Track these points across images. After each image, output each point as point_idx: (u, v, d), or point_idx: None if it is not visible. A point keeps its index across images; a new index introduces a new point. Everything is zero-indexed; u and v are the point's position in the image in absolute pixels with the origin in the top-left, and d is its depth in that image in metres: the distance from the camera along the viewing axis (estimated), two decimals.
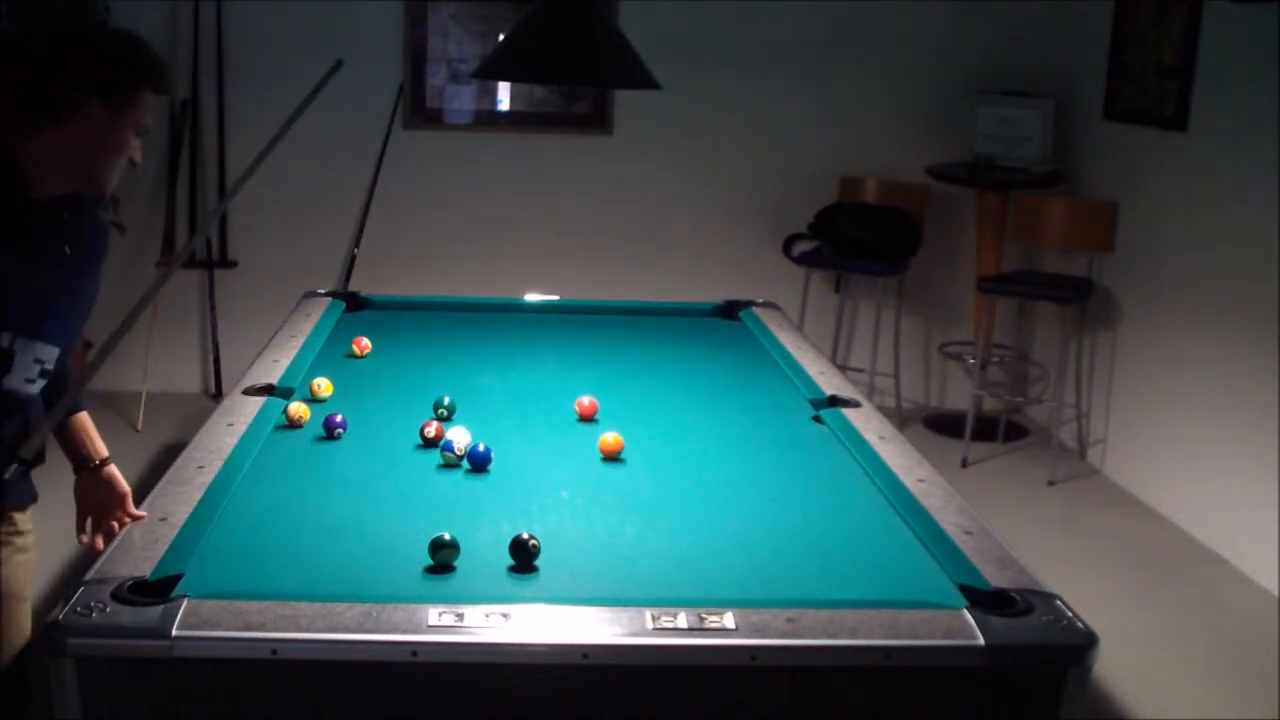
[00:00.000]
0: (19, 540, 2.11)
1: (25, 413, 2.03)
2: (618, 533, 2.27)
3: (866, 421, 2.89)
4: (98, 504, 2.22)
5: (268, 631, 1.76)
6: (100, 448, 2.24)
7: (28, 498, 2.12)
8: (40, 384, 2.02)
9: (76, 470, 2.24)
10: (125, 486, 2.23)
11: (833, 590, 2.03)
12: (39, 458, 2.06)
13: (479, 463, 2.53)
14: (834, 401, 3.05)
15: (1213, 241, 4.54)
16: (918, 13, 5.57)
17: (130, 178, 2.12)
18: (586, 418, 2.92)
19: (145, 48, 1.99)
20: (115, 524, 2.19)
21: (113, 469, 2.24)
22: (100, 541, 2.18)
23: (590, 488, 2.48)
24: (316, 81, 2.45)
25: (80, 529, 2.24)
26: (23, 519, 2.13)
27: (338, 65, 2.52)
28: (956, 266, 5.72)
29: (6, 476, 2.00)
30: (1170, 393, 4.78)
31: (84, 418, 2.22)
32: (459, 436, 2.58)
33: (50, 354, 2.01)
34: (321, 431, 2.70)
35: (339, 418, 2.72)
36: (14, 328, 1.94)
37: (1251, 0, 4.26)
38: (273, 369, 3.11)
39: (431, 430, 2.67)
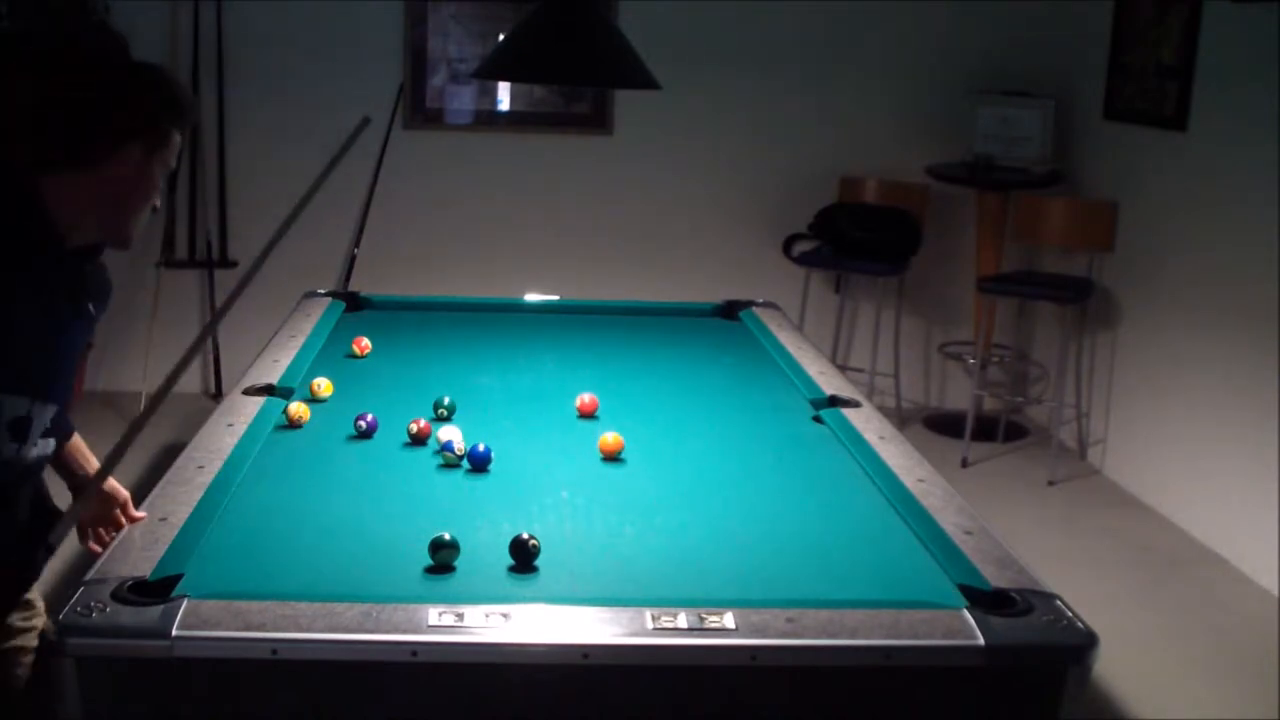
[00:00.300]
0: (38, 622, 2.05)
1: (36, 478, 1.98)
2: (618, 533, 2.27)
3: (866, 421, 2.89)
4: (99, 516, 2.19)
5: (268, 631, 1.76)
6: (96, 465, 2.18)
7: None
8: (45, 444, 1.94)
9: (75, 491, 2.17)
10: (124, 493, 2.20)
11: (833, 590, 2.03)
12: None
13: (479, 463, 2.53)
14: (834, 401, 3.05)
15: (1213, 241, 4.54)
16: (918, 13, 5.57)
17: None
18: (587, 414, 2.93)
19: (176, 84, 1.92)
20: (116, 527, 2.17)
21: (111, 481, 2.19)
22: (106, 537, 2.16)
23: (590, 488, 2.48)
24: (341, 137, 2.36)
25: (84, 538, 2.21)
26: (33, 595, 2.07)
27: (365, 122, 2.46)
28: (956, 266, 5.72)
29: (42, 565, 1.94)
30: (1170, 393, 4.78)
31: (77, 440, 2.16)
32: (446, 435, 2.58)
33: (51, 412, 1.93)
34: (351, 431, 2.70)
35: (370, 416, 2.72)
36: (31, 393, 1.86)
37: (1251, 0, 4.26)
38: (273, 369, 3.11)
39: (414, 427, 2.67)
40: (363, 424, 2.70)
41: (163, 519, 2.14)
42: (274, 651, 1.75)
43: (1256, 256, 4.23)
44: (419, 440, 2.65)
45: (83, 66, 1.81)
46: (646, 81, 3.10)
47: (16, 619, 2.01)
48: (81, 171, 1.81)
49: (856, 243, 5.34)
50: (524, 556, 2.06)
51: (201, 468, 2.39)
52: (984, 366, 5.54)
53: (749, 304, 4.08)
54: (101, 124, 1.80)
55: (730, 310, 4.07)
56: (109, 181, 1.83)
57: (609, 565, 2.12)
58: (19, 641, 2.02)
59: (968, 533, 2.24)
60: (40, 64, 1.79)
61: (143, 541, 2.05)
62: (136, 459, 4.62)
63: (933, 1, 5.56)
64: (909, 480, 2.52)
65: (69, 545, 2.26)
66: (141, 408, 5.12)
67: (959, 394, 5.82)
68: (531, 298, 4.14)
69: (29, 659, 2.01)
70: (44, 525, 1.97)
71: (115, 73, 1.84)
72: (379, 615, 1.80)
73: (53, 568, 2.15)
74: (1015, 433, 5.61)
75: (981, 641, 1.83)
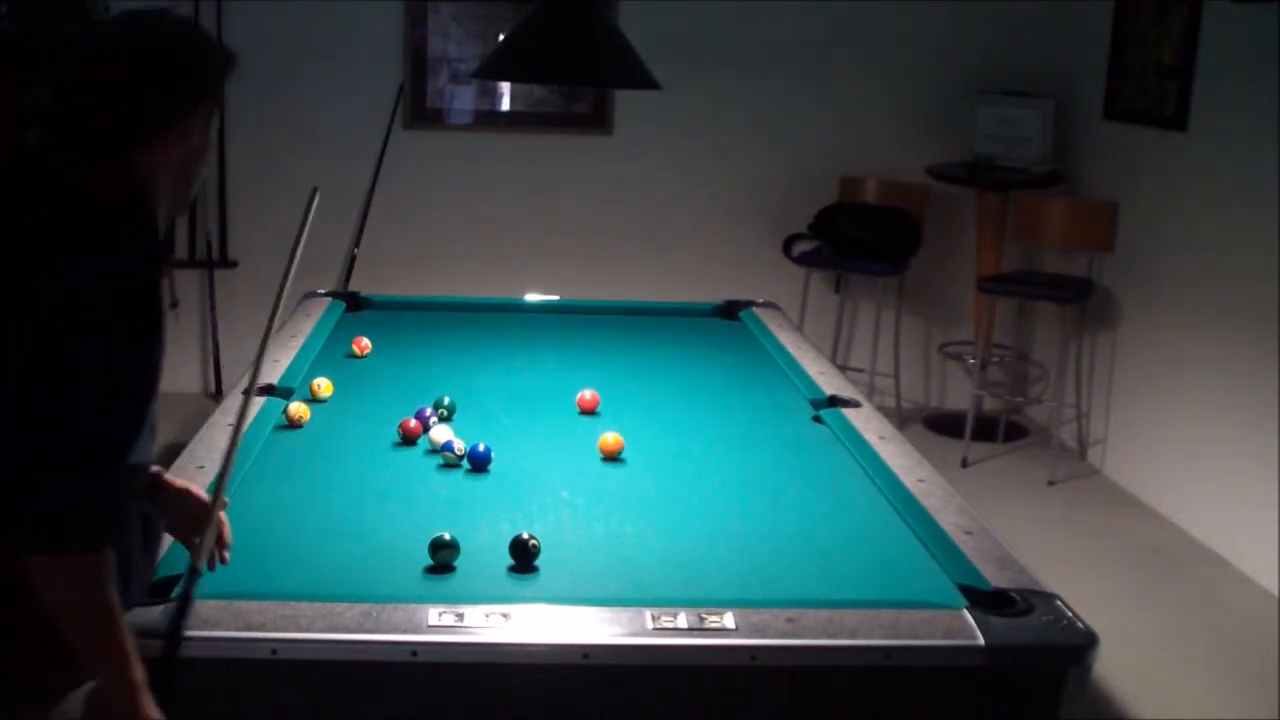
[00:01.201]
0: None
1: None
2: (618, 533, 2.27)
3: (866, 421, 2.90)
4: (187, 519, 1.93)
5: (268, 631, 1.76)
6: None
7: None
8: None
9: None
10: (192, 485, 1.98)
11: (833, 590, 2.03)
12: None
13: (479, 463, 2.53)
14: (834, 401, 3.06)
15: (1213, 241, 4.54)
16: (918, 13, 5.56)
17: None
18: (587, 410, 2.93)
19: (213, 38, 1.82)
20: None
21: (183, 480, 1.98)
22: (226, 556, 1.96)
23: (590, 488, 2.48)
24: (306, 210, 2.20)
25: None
26: None
27: (314, 192, 2.35)
28: (956, 266, 5.72)
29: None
30: (1170, 393, 4.78)
31: None
32: (440, 435, 2.59)
33: None
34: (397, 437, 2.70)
35: (428, 411, 2.73)
36: None
37: (1251, 0, 4.26)
38: (273, 369, 3.11)
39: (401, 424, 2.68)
40: (432, 420, 2.71)
41: None
42: (274, 651, 1.75)
43: (1256, 256, 4.22)
44: (409, 440, 2.66)
45: (151, 32, 1.73)
46: (646, 81, 3.10)
47: None
48: (166, 142, 1.71)
49: (856, 243, 5.34)
50: (524, 556, 2.07)
51: (201, 467, 2.39)
52: (984, 366, 5.54)
53: (749, 304, 4.08)
54: (179, 89, 1.72)
55: (730, 310, 4.07)
56: (183, 149, 1.74)
57: (609, 565, 2.13)
58: None
59: (968, 533, 2.24)
60: (109, 37, 1.71)
61: None
62: None
63: (933, 1, 5.55)
64: (909, 480, 2.52)
65: None
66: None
67: (959, 394, 5.82)
68: (531, 298, 4.14)
69: None
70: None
71: (175, 34, 1.76)
72: (379, 615, 1.81)
73: None
74: (1015, 433, 5.61)
75: (981, 641, 1.83)
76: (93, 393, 1.56)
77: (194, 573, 1.80)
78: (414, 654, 1.77)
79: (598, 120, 5.63)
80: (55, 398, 1.54)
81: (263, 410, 2.77)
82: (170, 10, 1.78)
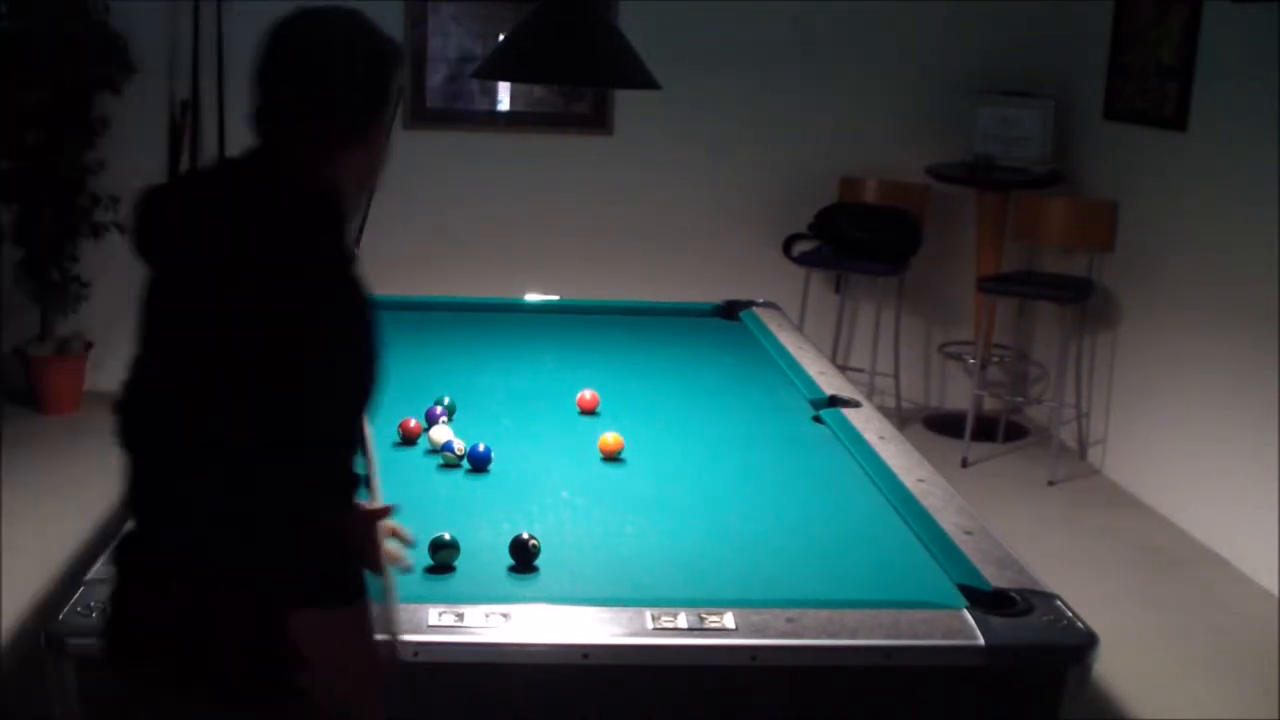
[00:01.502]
0: None
1: None
2: (618, 533, 2.27)
3: (866, 421, 2.90)
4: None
5: None
6: None
7: None
8: None
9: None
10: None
11: (833, 590, 2.03)
12: None
13: (479, 462, 2.53)
14: (834, 401, 3.06)
15: (1213, 241, 4.54)
16: (917, 13, 5.57)
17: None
18: (587, 410, 2.93)
19: None
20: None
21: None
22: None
23: (590, 488, 2.48)
24: None
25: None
26: None
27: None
28: (956, 266, 5.72)
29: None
30: (1170, 393, 4.78)
31: None
32: (440, 435, 2.59)
33: None
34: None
35: (439, 410, 2.75)
36: None
37: (1251, 0, 4.26)
38: None
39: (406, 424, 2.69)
40: (443, 419, 2.72)
41: None
42: None
43: (1256, 256, 4.23)
44: (409, 440, 2.66)
45: (352, 30, 1.60)
46: (646, 81, 3.10)
47: None
48: (364, 142, 1.62)
49: (856, 243, 5.34)
50: (524, 556, 2.07)
51: None
52: (984, 366, 5.54)
53: (749, 304, 4.09)
54: (378, 87, 1.61)
55: (730, 310, 4.07)
56: (368, 155, 1.66)
57: (609, 565, 2.13)
58: None
59: (968, 533, 2.24)
60: (310, 39, 1.58)
61: None
62: None
63: (932, 1, 5.55)
64: (909, 480, 2.52)
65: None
66: None
67: (959, 394, 5.82)
68: (531, 298, 4.14)
69: None
70: None
71: (367, 30, 1.63)
72: (380, 615, 1.80)
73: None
74: (1015, 433, 5.61)
75: (981, 641, 1.83)
76: (316, 416, 1.45)
77: (389, 593, 1.75)
78: (414, 654, 1.76)
79: (598, 120, 5.63)
80: (275, 421, 1.43)
81: None
82: (339, 5, 1.63)
